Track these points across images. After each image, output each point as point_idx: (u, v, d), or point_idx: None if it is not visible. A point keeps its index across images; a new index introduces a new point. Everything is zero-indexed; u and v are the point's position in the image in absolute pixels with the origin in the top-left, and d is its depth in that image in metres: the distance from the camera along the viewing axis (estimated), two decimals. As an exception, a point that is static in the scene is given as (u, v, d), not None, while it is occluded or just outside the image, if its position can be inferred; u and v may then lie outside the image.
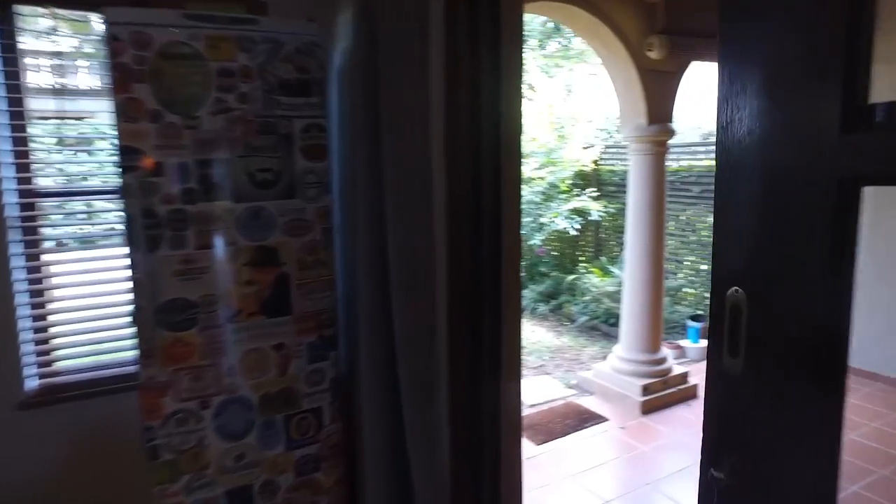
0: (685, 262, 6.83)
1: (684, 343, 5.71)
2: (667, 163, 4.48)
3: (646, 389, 4.34)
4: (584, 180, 7.70)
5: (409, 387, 1.97)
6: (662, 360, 4.53)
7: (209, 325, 1.92)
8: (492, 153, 1.84)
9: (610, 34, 3.80)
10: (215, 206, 1.89)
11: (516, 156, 1.95)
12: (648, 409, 4.31)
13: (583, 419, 4.25)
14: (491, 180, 1.85)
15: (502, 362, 1.97)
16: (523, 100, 2.00)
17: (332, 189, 2.12)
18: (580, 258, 7.99)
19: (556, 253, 8.04)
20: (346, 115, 2.03)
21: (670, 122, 4.26)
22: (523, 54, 1.94)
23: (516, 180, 1.99)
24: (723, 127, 1.08)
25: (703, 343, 5.67)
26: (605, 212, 7.42)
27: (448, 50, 1.72)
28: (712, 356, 1.16)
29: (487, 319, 1.93)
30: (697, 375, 4.88)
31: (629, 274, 4.54)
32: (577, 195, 7.40)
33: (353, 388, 2.27)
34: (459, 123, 1.78)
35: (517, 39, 1.87)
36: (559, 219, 7.23)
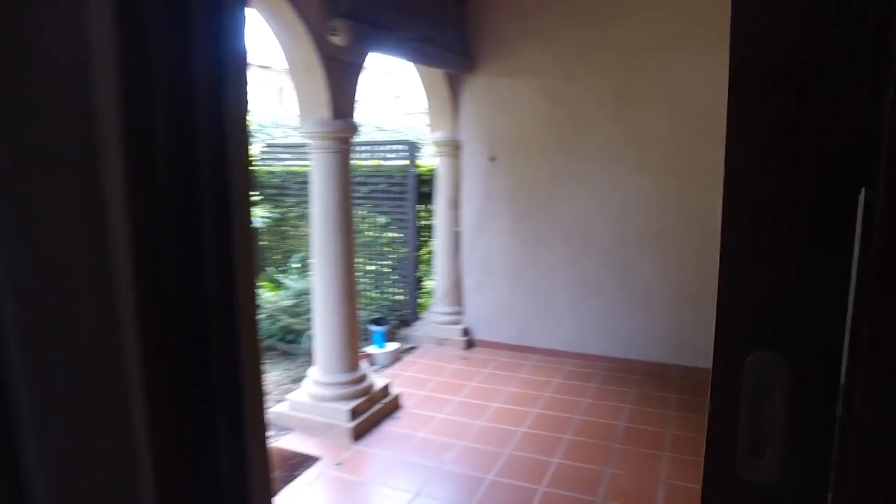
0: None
1: (372, 350, 5.49)
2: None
3: (354, 413, 3.90)
4: (241, 183, 6.83)
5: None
6: (364, 377, 4.16)
7: None
8: (212, 132, 1.06)
9: (290, 10, 3.19)
10: None
11: (243, 140, 1.20)
12: (359, 433, 3.88)
13: (291, 466, 3.55)
14: (211, 170, 1.07)
15: (246, 440, 1.22)
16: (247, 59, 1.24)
17: None
18: (244, 271, 7.11)
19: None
20: None
21: (353, 117, 3.89)
22: None
23: (246, 173, 1.23)
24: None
25: (391, 347, 5.55)
26: (269, 217, 6.72)
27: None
28: (715, 457, 0.72)
29: (217, 370, 1.16)
30: (394, 383, 4.71)
31: (320, 286, 4.02)
32: (236, 200, 6.50)
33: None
34: (151, 78, 0.95)
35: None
36: (217, 228, 6.21)
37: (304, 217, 6.73)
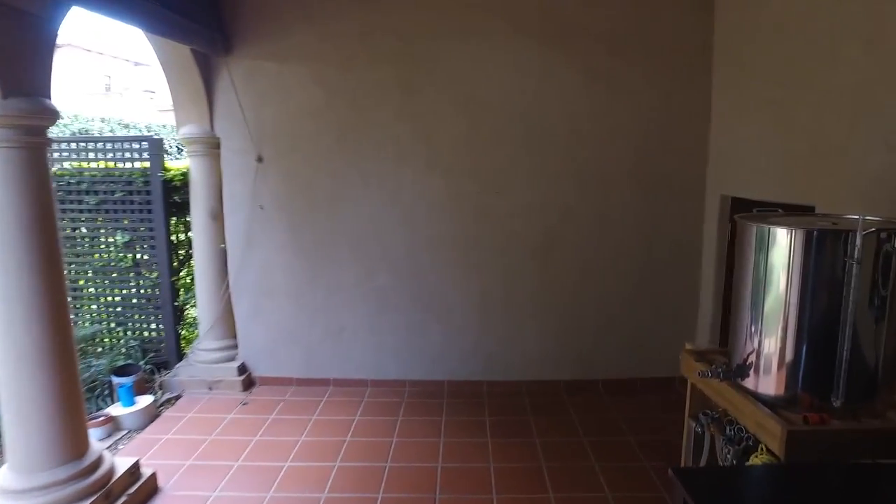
0: (88, 295, 5.14)
1: (115, 410, 4.18)
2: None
3: (79, 523, 2.73)
4: None
5: None
6: (97, 463, 2.97)
7: None
8: None
9: None
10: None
11: None
12: (90, 551, 2.73)
13: None
14: None
15: None
16: None
17: None
18: None
19: None
20: None
21: (49, 97, 2.69)
22: None
23: None
24: None
25: (143, 402, 4.29)
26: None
27: None
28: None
29: None
30: (148, 452, 3.58)
31: (4, 341, 2.73)
32: None
33: None
34: None
35: None
36: None
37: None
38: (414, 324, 4.65)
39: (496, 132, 4.41)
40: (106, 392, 4.50)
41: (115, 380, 4.42)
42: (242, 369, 4.80)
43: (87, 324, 5.11)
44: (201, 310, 4.85)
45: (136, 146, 4.87)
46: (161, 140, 4.87)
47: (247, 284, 4.75)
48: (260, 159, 4.56)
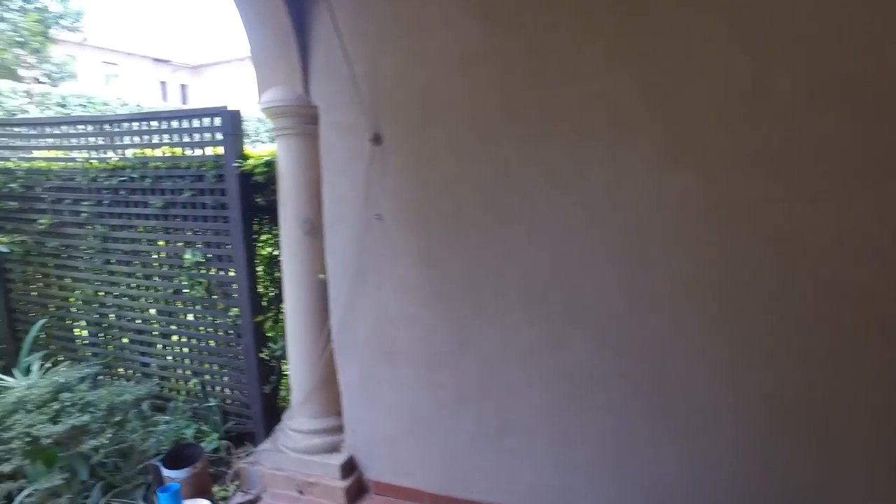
0: (170, 323, 3.76)
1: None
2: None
3: None
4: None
5: None
6: None
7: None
8: None
9: None
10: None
11: None
12: None
13: None
14: None
15: None
16: None
17: None
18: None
19: None
20: None
21: None
22: None
23: None
24: None
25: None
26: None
27: None
28: None
29: None
30: None
31: None
32: None
33: None
34: None
35: None
36: None
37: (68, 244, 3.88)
38: (634, 432, 2.62)
39: (807, 83, 2.19)
40: (148, 486, 3.06)
41: (165, 473, 2.95)
42: (348, 468, 3.11)
43: (157, 359, 3.75)
44: (293, 370, 3.23)
45: (205, 124, 3.32)
46: (238, 113, 3.25)
47: (357, 339, 3.03)
48: (377, 140, 2.78)
